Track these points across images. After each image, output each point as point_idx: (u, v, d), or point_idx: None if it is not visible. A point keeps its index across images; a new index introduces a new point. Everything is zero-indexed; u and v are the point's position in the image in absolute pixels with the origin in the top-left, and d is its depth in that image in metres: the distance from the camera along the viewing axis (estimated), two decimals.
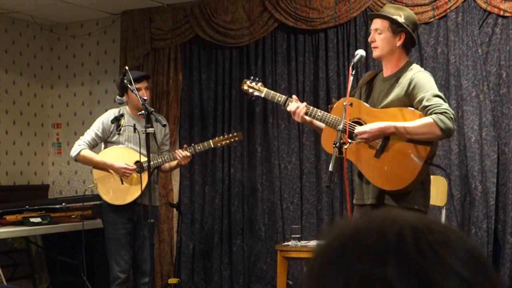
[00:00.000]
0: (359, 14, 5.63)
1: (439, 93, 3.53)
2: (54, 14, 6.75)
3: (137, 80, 4.66)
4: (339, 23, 5.68)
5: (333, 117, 3.72)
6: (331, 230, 0.75)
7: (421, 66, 5.34)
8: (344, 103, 3.55)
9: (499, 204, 5.16)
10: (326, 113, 3.76)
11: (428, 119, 3.44)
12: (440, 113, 3.42)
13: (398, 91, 3.59)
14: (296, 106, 3.79)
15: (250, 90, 4.05)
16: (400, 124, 3.49)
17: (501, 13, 5.13)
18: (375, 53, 3.69)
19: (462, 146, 5.22)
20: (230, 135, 4.98)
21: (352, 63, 3.67)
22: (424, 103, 3.47)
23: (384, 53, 3.64)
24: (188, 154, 4.82)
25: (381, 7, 5.47)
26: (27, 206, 5.73)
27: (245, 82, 4.09)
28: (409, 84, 3.55)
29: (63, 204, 5.87)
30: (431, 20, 5.37)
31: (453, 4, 5.27)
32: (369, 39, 3.74)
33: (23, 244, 6.32)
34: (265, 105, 6.05)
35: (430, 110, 3.45)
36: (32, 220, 5.49)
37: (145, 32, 6.44)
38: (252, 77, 4.11)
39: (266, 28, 6.00)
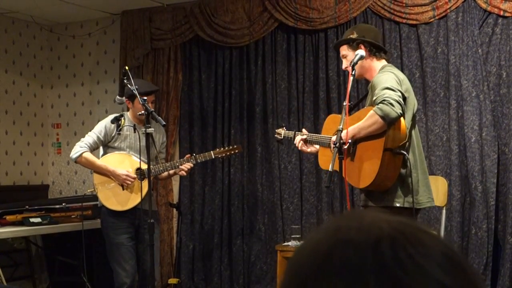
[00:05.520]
0: (359, 14, 5.62)
1: (388, 85, 3.61)
2: (54, 14, 6.75)
3: (148, 94, 4.69)
4: (339, 23, 5.68)
5: (325, 137, 3.97)
6: (304, 243, 0.72)
7: (421, 66, 5.39)
8: (344, 103, 3.60)
9: (499, 204, 5.15)
10: (319, 135, 4.10)
11: (371, 112, 3.59)
12: (380, 102, 3.55)
13: (370, 97, 3.79)
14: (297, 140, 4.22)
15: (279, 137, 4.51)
16: (353, 126, 3.65)
17: (501, 13, 5.12)
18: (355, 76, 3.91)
19: (462, 146, 5.22)
20: (231, 147, 5.09)
21: (352, 63, 3.73)
22: (373, 99, 3.63)
23: (358, 70, 3.83)
24: (192, 165, 4.90)
25: (381, 7, 5.49)
26: (27, 206, 5.73)
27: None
28: (371, 89, 3.75)
29: (63, 204, 5.87)
30: (431, 20, 5.37)
31: (453, 4, 5.26)
32: (342, 68, 4.03)
33: (23, 244, 6.32)
34: (265, 105, 6.04)
35: (374, 103, 3.60)
36: (32, 220, 5.48)
37: (145, 32, 6.44)
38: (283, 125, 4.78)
39: (266, 28, 6.00)
